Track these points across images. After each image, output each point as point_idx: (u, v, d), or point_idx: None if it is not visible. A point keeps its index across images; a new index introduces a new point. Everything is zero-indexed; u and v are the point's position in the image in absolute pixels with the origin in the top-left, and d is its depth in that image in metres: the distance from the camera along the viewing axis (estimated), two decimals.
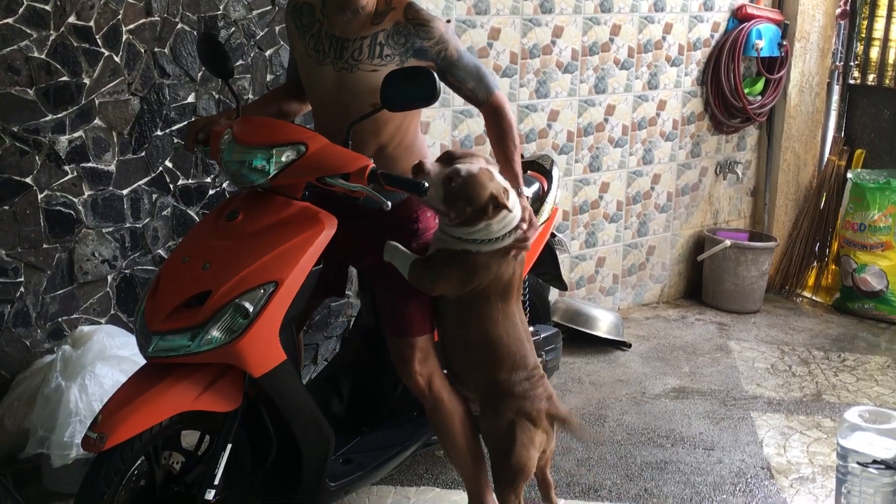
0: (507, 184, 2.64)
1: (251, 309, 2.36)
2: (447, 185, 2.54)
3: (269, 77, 3.60)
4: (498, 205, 2.56)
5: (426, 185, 2.48)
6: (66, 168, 3.21)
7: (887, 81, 5.42)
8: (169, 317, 2.36)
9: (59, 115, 3.17)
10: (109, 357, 3.10)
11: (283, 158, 2.46)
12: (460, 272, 2.66)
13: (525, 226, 2.66)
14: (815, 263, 5.60)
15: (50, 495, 3.07)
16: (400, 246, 2.70)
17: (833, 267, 5.52)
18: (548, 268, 3.51)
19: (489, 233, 2.62)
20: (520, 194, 2.73)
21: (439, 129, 4.17)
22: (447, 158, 2.62)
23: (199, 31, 3.39)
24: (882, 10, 5.41)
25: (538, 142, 4.57)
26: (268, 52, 3.59)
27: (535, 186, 3.33)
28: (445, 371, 2.89)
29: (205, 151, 2.74)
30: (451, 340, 2.82)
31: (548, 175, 3.44)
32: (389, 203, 2.49)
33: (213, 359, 2.37)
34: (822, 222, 5.54)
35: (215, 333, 2.34)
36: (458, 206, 2.56)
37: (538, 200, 3.32)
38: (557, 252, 3.54)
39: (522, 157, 3.35)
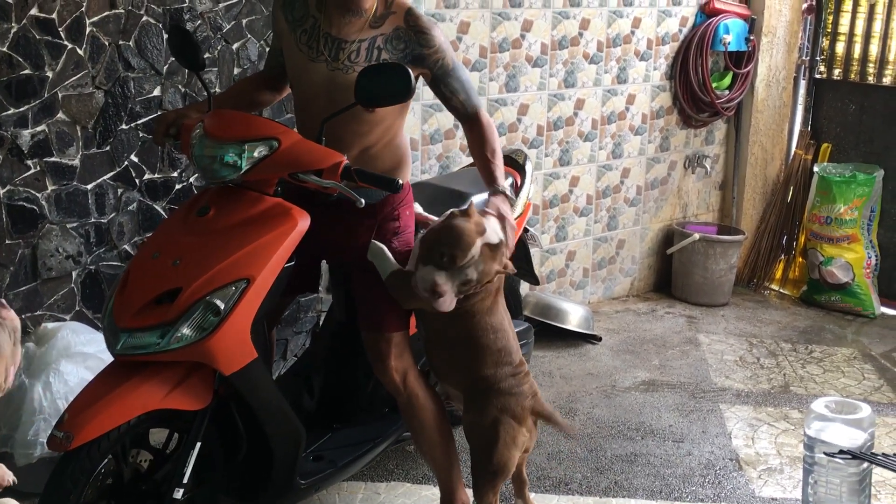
0: (499, 233, 2.61)
1: (222, 306, 2.33)
2: (463, 288, 2.56)
3: (236, 70, 3.56)
4: (504, 270, 2.61)
5: (400, 182, 2.47)
6: (29, 163, 3.16)
7: (853, 76, 5.47)
8: (138, 314, 2.32)
9: (22, 109, 3.11)
10: (74, 354, 3.05)
11: (256, 154, 2.43)
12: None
13: (507, 253, 2.67)
14: (782, 256, 5.66)
15: (14, 494, 3.02)
16: (385, 250, 2.69)
17: (800, 260, 5.57)
18: (520, 262, 3.49)
19: None
20: (499, 192, 2.74)
21: (409, 123, 4.13)
22: (450, 261, 2.52)
23: (165, 24, 3.34)
24: (847, 6, 5.46)
25: (508, 136, 4.57)
26: (235, 46, 3.55)
27: (509, 181, 3.32)
28: (428, 370, 2.88)
29: (175, 145, 2.71)
30: (433, 338, 2.80)
31: (521, 170, 3.44)
32: (363, 200, 2.47)
33: (183, 357, 2.34)
34: (790, 216, 5.60)
35: (186, 331, 2.31)
36: (471, 291, 2.60)
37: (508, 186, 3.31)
38: (530, 246, 3.54)
39: None
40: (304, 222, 2.49)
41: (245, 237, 2.40)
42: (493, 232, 2.59)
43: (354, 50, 2.58)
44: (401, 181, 2.48)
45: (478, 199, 2.87)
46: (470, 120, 2.76)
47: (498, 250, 2.59)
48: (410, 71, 2.39)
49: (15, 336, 1.93)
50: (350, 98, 2.46)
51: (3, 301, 1.97)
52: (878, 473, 3.24)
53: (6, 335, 1.89)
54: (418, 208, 2.92)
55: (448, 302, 2.54)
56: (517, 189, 3.36)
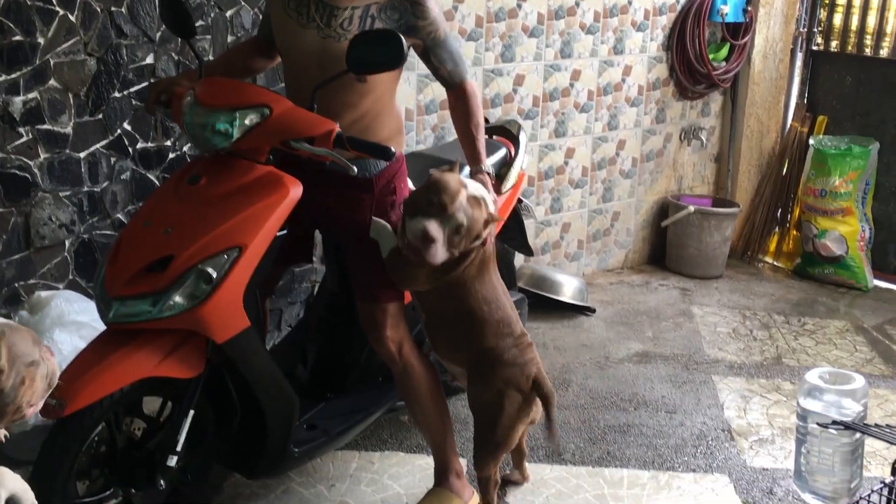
0: (481, 189, 2.62)
1: (214, 274, 2.32)
2: (453, 237, 2.54)
3: (229, 38, 3.53)
4: (489, 222, 2.60)
5: (392, 150, 2.46)
6: (21, 130, 3.14)
7: (850, 48, 5.44)
8: (130, 282, 2.32)
9: (13, 76, 3.09)
10: (68, 323, 3.05)
11: (247, 121, 2.41)
12: (429, 270, 2.65)
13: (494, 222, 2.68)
14: (776, 229, 5.66)
15: (7, 462, 3.03)
16: (388, 227, 2.68)
17: (794, 233, 5.58)
18: (514, 233, 3.50)
19: None
20: (482, 171, 2.74)
21: (404, 92, 4.12)
22: (439, 209, 2.51)
23: None
24: None
25: (503, 106, 4.55)
26: (228, 13, 3.52)
27: (503, 152, 3.32)
28: (423, 339, 2.87)
29: (166, 113, 2.69)
30: (432, 317, 2.79)
31: (515, 140, 3.42)
32: (355, 168, 2.46)
33: (176, 325, 2.34)
34: (785, 188, 5.59)
35: (178, 299, 2.31)
36: (461, 246, 2.57)
37: (505, 165, 3.30)
38: (524, 218, 3.53)
39: (488, 121, 3.34)
40: (296, 190, 2.47)
41: (237, 205, 2.39)
42: (475, 187, 2.61)
43: (347, 17, 2.55)
44: (393, 149, 2.46)
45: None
46: (455, 88, 2.75)
47: (483, 203, 2.59)
48: (403, 38, 2.37)
49: (52, 381, 1.91)
50: (342, 67, 2.43)
51: (48, 346, 1.97)
52: (869, 444, 3.26)
53: (42, 375, 1.87)
54: (410, 185, 2.91)
55: (440, 251, 2.52)
56: (511, 160, 3.34)
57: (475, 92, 2.77)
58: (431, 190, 2.54)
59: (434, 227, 2.49)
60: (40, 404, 1.91)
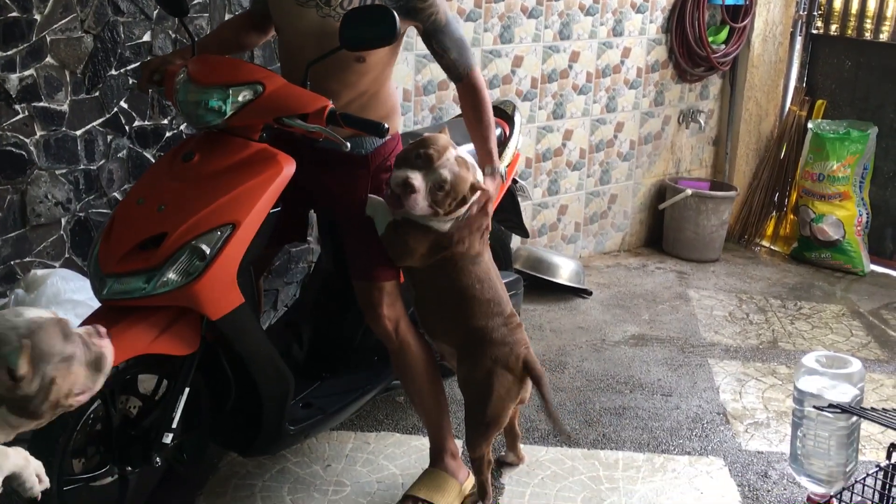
0: (470, 158, 2.66)
1: (208, 251, 2.32)
2: (435, 192, 2.56)
3: (226, 16, 3.51)
4: (476, 188, 2.62)
5: (386, 126, 2.45)
6: (17, 107, 3.12)
7: (849, 32, 5.42)
8: (124, 259, 2.32)
9: (9, 53, 3.07)
10: (64, 301, 3.04)
11: (240, 98, 2.40)
12: (426, 245, 2.66)
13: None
14: (774, 213, 5.66)
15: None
16: (384, 203, 2.68)
17: (791, 217, 5.57)
18: (509, 214, 3.49)
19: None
20: (495, 172, 2.77)
21: (402, 73, 4.11)
22: (426, 162, 2.56)
23: None
24: None
25: (502, 88, 4.53)
26: None
27: (497, 132, 3.30)
28: (421, 329, 2.88)
29: (160, 92, 2.68)
30: (422, 295, 2.80)
31: (510, 120, 3.42)
32: (348, 144, 2.46)
33: (170, 301, 2.33)
34: (782, 172, 5.59)
35: (171, 276, 2.30)
36: (443, 206, 2.59)
37: (500, 146, 3.29)
38: (519, 199, 3.52)
39: None
40: (289, 168, 2.47)
41: (230, 182, 2.39)
42: (464, 151, 2.65)
43: None
44: (386, 125, 2.46)
45: (464, 148, 2.85)
46: (462, 81, 2.73)
47: (471, 167, 2.63)
48: (395, 14, 2.36)
49: (100, 365, 1.87)
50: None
51: (103, 330, 1.92)
52: (864, 428, 3.27)
53: (84, 362, 1.84)
54: None
55: (420, 201, 2.55)
56: (506, 140, 3.34)
57: (483, 85, 2.75)
58: (420, 144, 2.60)
59: (417, 178, 2.54)
60: (92, 390, 1.87)
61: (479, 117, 2.76)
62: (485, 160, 2.78)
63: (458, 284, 2.71)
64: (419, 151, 2.58)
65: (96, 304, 2.48)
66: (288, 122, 2.42)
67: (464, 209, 2.64)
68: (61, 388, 1.80)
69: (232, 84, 2.40)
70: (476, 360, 2.73)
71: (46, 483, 1.90)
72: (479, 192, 2.65)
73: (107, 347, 1.90)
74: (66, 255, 3.33)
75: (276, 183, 2.44)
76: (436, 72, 4.21)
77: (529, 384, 2.80)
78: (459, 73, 2.71)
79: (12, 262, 3.22)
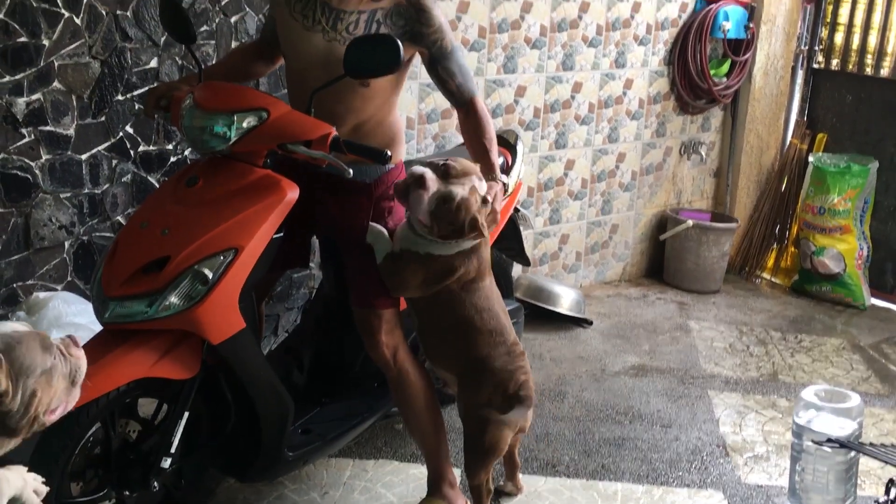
0: (490, 195, 2.67)
1: (210, 275, 2.33)
2: (440, 204, 2.56)
3: (233, 43, 3.54)
4: (475, 228, 2.59)
5: (389, 153, 2.47)
6: (24, 131, 3.14)
7: (851, 67, 5.45)
8: (127, 282, 2.33)
9: (17, 77, 3.10)
10: (65, 324, 3.05)
11: (245, 124, 2.43)
12: (422, 278, 2.66)
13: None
14: (774, 245, 5.66)
15: (1, 462, 3.03)
16: (385, 233, 2.70)
17: (792, 249, 5.58)
18: (511, 243, 3.51)
19: (458, 244, 2.65)
20: (497, 178, 2.78)
21: (406, 101, 4.14)
22: (444, 173, 2.60)
23: None
24: None
25: (504, 117, 4.56)
26: (233, 19, 3.53)
27: (500, 160, 3.32)
28: (421, 356, 2.88)
29: (165, 117, 2.70)
30: (424, 324, 2.80)
31: (512, 149, 3.44)
32: (351, 171, 2.47)
33: (172, 325, 2.34)
34: (783, 205, 5.60)
35: (174, 300, 2.31)
36: (441, 223, 2.59)
37: (502, 174, 3.31)
38: (521, 227, 3.54)
39: None
40: (292, 193, 2.49)
41: (233, 207, 2.40)
42: (485, 190, 2.67)
43: (353, 21, 2.57)
44: (389, 153, 2.48)
45: None
46: (465, 106, 2.76)
47: (484, 205, 2.63)
48: (399, 43, 2.38)
49: (75, 376, 1.87)
50: None
51: (77, 339, 1.92)
52: (864, 463, 3.26)
53: (63, 374, 1.83)
54: None
55: (423, 202, 2.56)
56: (508, 168, 3.35)
57: (485, 108, 2.79)
58: (449, 159, 2.63)
59: (433, 179, 2.56)
60: (66, 404, 1.87)
61: (481, 136, 2.78)
62: (486, 170, 2.77)
63: (460, 316, 2.71)
64: (445, 162, 2.60)
65: (98, 328, 2.49)
66: (292, 148, 2.44)
67: (454, 241, 2.64)
68: (42, 401, 1.79)
69: (237, 110, 2.43)
70: (477, 387, 2.73)
71: (45, 490, 1.91)
72: (476, 234, 2.64)
73: (82, 359, 1.89)
74: (69, 279, 3.35)
75: (280, 209, 2.45)
76: (439, 100, 4.24)
77: (530, 413, 2.80)
78: (463, 99, 2.74)
79: (15, 285, 3.23)
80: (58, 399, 1.84)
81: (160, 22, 3.20)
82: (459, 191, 2.56)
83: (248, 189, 2.44)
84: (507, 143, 3.45)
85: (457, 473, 3.03)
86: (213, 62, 3.47)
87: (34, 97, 3.14)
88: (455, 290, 2.69)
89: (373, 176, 2.72)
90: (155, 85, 3.26)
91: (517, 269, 4.54)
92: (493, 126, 2.81)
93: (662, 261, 5.44)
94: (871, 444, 2.92)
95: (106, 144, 3.33)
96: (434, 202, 2.56)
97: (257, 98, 2.49)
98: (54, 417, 1.86)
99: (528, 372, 2.79)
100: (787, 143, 5.71)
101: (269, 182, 2.47)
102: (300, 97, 2.62)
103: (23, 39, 3.08)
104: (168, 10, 2.69)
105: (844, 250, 5.19)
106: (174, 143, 3.49)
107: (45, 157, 3.21)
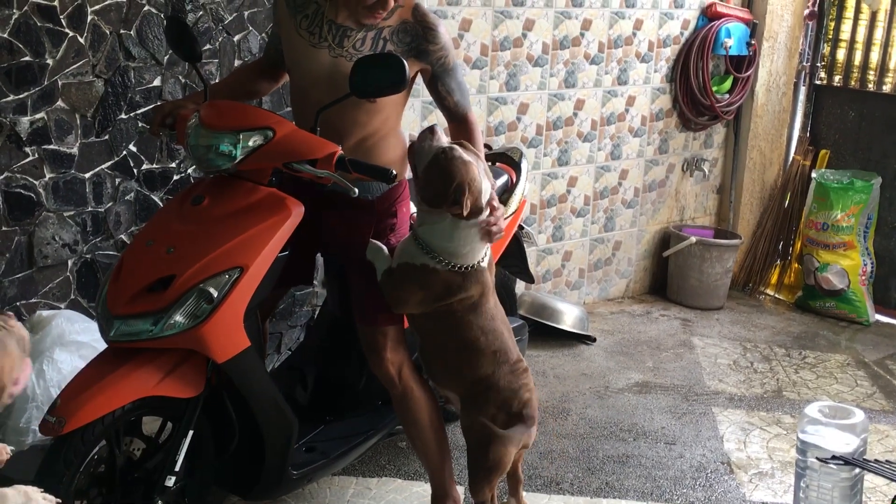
0: (493, 197, 2.64)
1: (215, 294, 2.33)
2: (436, 158, 2.54)
3: (237, 62, 3.56)
4: (458, 200, 2.52)
5: (393, 172, 2.47)
6: (28, 150, 3.15)
7: (853, 83, 5.47)
8: (131, 301, 2.33)
9: (21, 96, 3.11)
10: (68, 342, 3.05)
11: (250, 143, 2.43)
12: (421, 293, 2.65)
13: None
14: (778, 261, 5.66)
15: (4, 481, 3.02)
16: (384, 249, 2.70)
17: (796, 265, 5.58)
18: (515, 260, 3.51)
19: (453, 250, 2.61)
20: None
21: (408, 119, 4.15)
22: (459, 144, 2.61)
23: (166, 14, 3.34)
24: (849, 12, 5.46)
25: (507, 134, 4.57)
26: (236, 38, 3.55)
27: (504, 178, 3.33)
28: (425, 374, 2.87)
29: (171, 136, 2.71)
30: (426, 343, 2.79)
31: (516, 167, 3.44)
32: (356, 190, 2.48)
33: (176, 344, 2.34)
34: (787, 221, 5.60)
35: (179, 318, 2.31)
36: (430, 184, 2.55)
37: (506, 192, 3.31)
38: (525, 244, 3.54)
39: (490, 148, 3.36)
40: (298, 212, 2.49)
41: (239, 226, 2.41)
42: (493, 185, 2.69)
43: (360, 38, 2.58)
44: (394, 171, 2.48)
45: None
46: (459, 121, 2.78)
47: (486, 198, 2.61)
48: (405, 62, 2.39)
49: (23, 344, 1.97)
50: None
51: (10, 313, 2.01)
52: (869, 480, 3.25)
53: (13, 341, 1.94)
54: (412, 209, 2.92)
55: (429, 147, 2.56)
56: (512, 186, 3.36)
57: (477, 125, 2.82)
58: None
59: (443, 135, 2.58)
60: (25, 375, 1.97)
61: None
62: None
63: (464, 337, 2.70)
64: (460, 140, 2.63)
65: (101, 346, 2.49)
66: (297, 166, 2.45)
67: (437, 215, 2.60)
68: (4, 370, 1.89)
69: (243, 129, 2.43)
70: (480, 405, 2.73)
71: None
72: (456, 207, 2.59)
73: (22, 329, 2.00)
74: (72, 297, 3.35)
75: (285, 227, 2.46)
76: (441, 118, 4.23)
77: (534, 430, 2.79)
78: (460, 115, 2.76)
79: (18, 303, 3.23)
80: (17, 366, 1.93)
81: (166, 40, 3.22)
82: (462, 153, 2.55)
83: (254, 207, 2.45)
84: (511, 161, 3.46)
85: (461, 491, 3.02)
86: (217, 80, 3.49)
87: (38, 116, 3.16)
88: (458, 312, 2.68)
89: (376, 193, 2.73)
90: (160, 103, 3.28)
91: (520, 287, 4.54)
92: (482, 141, 2.83)
93: (666, 277, 5.44)
94: (876, 461, 2.91)
95: (109, 163, 3.34)
96: (432, 154, 2.55)
97: (263, 117, 2.50)
98: (18, 388, 1.95)
99: (531, 389, 2.78)
100: (790, 159, 5.72)
101: (275, 200, 2.48)
102: (305, 114, 2.62)
103: (27, 58, 3.09)
104: (174, 28, 2.70)
105: (848, 266, 5.19)
106: (177, 162, 3.50)
107: (48, 175, 3.21)
